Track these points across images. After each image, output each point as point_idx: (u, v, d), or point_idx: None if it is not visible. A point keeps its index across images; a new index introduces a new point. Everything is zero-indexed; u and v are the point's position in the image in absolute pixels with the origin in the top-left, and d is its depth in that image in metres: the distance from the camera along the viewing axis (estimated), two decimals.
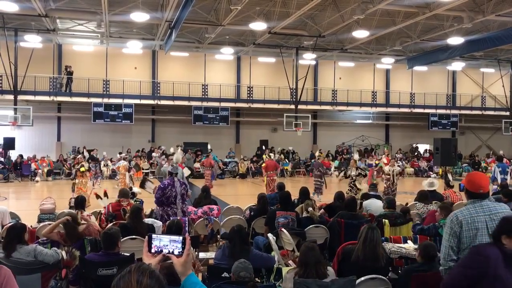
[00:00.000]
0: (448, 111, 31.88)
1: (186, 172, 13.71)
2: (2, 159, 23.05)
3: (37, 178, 21.96)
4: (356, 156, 15.63)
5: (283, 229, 6.28)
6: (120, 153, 22.38)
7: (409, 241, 5.96)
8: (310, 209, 7.17)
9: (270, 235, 5.93)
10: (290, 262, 5.57)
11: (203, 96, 28.32)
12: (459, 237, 3.46)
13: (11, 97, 23.55)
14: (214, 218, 7.73)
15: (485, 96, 33.66)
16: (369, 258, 4.48)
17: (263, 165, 17.12)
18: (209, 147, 21.41)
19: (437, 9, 18.89)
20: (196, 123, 27.20)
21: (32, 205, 10.84)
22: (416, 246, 5.47)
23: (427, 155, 29.87)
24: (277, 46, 26.46)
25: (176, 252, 2.10)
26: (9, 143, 23.34)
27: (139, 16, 19.44)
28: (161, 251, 2.11)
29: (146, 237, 2.17)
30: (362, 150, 31.23)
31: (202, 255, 6.65)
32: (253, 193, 14.28)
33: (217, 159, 21.99)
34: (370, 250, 4.51)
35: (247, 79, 29.83)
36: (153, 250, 2.13)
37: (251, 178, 24.68)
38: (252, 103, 28.71)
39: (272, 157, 18.27)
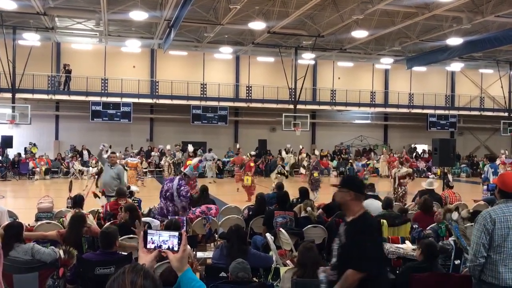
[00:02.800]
0: (446, 112, 31.91)
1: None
2: (0, 157, 23.02)
3: (36, 177, 21.93)
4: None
5: (281, 229, 6.28)
6: (126, 149, 22.43)
7: (407, 242, 5.97)
8: (309, 208, 7.17)
9: (268, 235, 5.93)
10: (288, 262, 5.56)
11: (202, 96, 28.29)
12: (491, 234, 3.54)
13: (9, 95, 23.48)
14: (212, 218, 7.72)
15: (483, 97, 33.70)
16: None
17: (232, 159, 17.47)
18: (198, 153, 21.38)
19: (436, 10, 18.87)
20: (195, 122, 27.17)
21: (29, 204, 10.81)
22: (414, 247, 5.47)
23: (426, 155, 29.91)
24: (276, 45, 26.44)
25: (175, 248, 2.09)
26: (7, 141, 23.30)
27: (138, 15, 19.41)
28: (160, 246, 2.10)
29: (142, 232, 2.15)
30: (361, 150, 31.32)
31: (200, 254, 6.63)
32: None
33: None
34: None
35: (246, 78, 29.81)
36: (150, 246, 2.10)
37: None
38: (251, 102, 28.69)
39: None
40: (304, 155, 24.06)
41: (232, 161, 19.81)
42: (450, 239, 5.60)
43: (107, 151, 10.03)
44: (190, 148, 18.29)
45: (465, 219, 6.51)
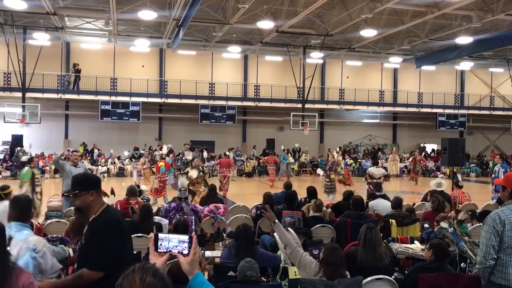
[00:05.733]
0: (456, 111, 31.70)
1: (194, 173, 13.45)
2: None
3: (46, 176, 22.08)
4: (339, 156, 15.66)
5: (289, 229, 6.26)
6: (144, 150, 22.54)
7: (416, 242, 5.93)
8: (324, 208, 7.17)
9: (276, 235, 5.92)
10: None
11: (210, 95, 28.34)
12: (501, 236, 3.52)
13: (20, 94, 23.69)
14: (220, 217, 7.73)
15: (493, 96, 33.42)
16: (371, 258, 4.46)
17: (216, 161, 17.87)
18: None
19: (446, 8, 18.76)
20: (203, 121, 27.24)
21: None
22: (423, 247, 5.44)
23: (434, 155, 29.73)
24: (285, 44, 26.42)
25: (185, 252, 2.10)
26: (17, 140, 23.48)
27: (147, 14, 19.48)
28: (171, 250, 2.12)
29: (153, 236, 2.17)
30: (369, 149, 31.18)
31: (208, 253, 6.64)
32: (260, 192, 14.27)
33: (284, 160, 22.44)
34: (370, 250, 4.50)
35: (254, 77, 29.81)
36: (160, 250, 2.13)
37: (257, 177, 24.68)
38: (259, 101, 28.69)
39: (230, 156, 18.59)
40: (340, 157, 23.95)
41: (265, 160, 21.28)
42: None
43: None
44: (164, 149, 18.13)
45: (465, 220, 6.49)
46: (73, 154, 9.42)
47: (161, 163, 15.21)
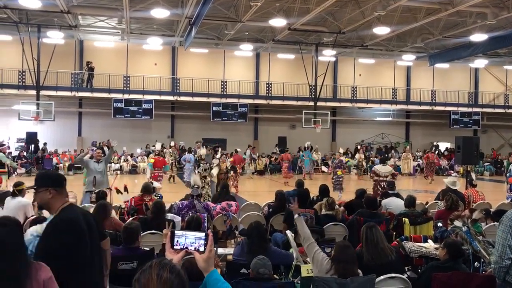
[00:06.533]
0: (470, 109, 31.37)
1: (215, 171, 13.49)
2: (25, 153, 23.48)
3: (61, 172, 22.32)
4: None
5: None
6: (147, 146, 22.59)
7: (429, 240, 5.89)
8: (337, 207, 7.16)
9: (288, 232, 5.92)
10: (308, 259, 5.54)
11: (222, 93, 28.39)
12: None
13: (34, 92, 23.94)
14: (233, 214, 7.75)
15: (508, 94, 33.01)
16: (375, 256, 4.46)
17: (231, 159, 17.94)
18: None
19: (460, 5, 18.55)
20: (215, 119, 27.31)
21: None
22: (436, 246, 5.41)
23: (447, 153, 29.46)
24: (297, 42, 26.35)
25: (201, 249, 2.12)
26: (32, 138, 23.75)
27: (160, 13, 19.57)
28: (187, 248, 2.14)
29: (169, 233, 2.20)
30: (382, 147, 31.00)
31: (220, 250, 6.67)
32: (271, 189, 14.28)
33: (309, 157, 22.46)
34: (373, 249, 4.49)
35: (266, 75, 29.80)
36: (176, 247, 2.15)
37: (269, 174, 24.69)
38: (271, 99, 28.67)
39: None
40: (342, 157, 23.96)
41: (280, 157, 22.31)
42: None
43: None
44: (157, 146, 18.15)
45: (479, 219, 6.44)
46: (96, 151, 10.10)
47: (151, 160, 15.63)
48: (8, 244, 2.55)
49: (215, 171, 13.35)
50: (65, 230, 3.04)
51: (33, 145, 24.49)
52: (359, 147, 26.08)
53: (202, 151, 14.38)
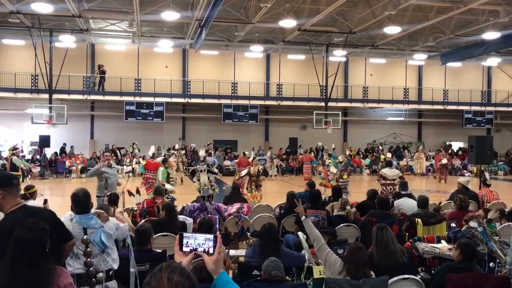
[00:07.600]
0: (483, 108, 31.03)
1: (244, 172, 13.43)
2: (38, 157, 23.71)
3: (73, 175, 22.50)
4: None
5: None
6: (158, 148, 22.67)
7: (442, 241, 5.84)
8: (348, 207, 7.13)
9: (300, 234, 5.90)
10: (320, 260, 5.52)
11: (233, 94, 28.42)
12: None
13: (46, 96, 24.20)
14: (244, 216, 7.75)
15: None
16: (385, 258, 4.42)
17: (236, 161, 18.10)
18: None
19: (472, 3, 18.35)
20: (226, 121, 27.35)
21: (66, 202, 11.05)
22: (450, 246, 5.36)
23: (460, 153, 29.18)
24: (307, 43, 26.30)
25: (210, 251, 2.12)
26: (45, 141, 23.98)
27: (170, 15, 19.67)
28: (195, 249, 2.14)
29: (177, 236, 2.20)
30: (394, 147, 30.80)
31: (232, 252, 6.67)
32: (283, 191, 14.25)
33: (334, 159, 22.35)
34: (383, 250, 4.46)
35: (277, 76, 29.78)
36: (185, 249, 2.15)
37: (280, 176, 24.64)
38: (282, 100, 28.63)
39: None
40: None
41: (301, 158, 22.96)
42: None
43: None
44: (152, 149, 18.15)
45: (493, 219, 6.36)
46: (105, 154, 10.17)
47: (143, 162, 15.73)
48: (36, 246, 2.57)
49: (244, 172, 13.22)
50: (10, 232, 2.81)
51: (59, 148, 24.78)
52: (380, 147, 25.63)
53: (202, 152, 14.50)
